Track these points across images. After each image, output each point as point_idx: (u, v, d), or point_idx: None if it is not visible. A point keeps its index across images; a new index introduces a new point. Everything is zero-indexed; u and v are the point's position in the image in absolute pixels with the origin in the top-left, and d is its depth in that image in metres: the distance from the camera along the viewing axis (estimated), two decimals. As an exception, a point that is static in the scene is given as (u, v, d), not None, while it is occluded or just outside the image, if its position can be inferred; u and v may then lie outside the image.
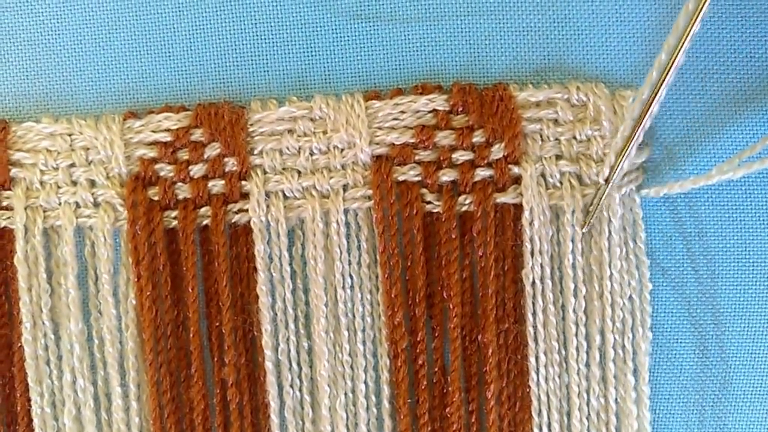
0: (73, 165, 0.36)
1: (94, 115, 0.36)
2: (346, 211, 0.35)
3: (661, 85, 0.31)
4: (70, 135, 0.36)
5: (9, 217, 0.36)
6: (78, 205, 0.36)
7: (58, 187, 0.36)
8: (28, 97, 0.37)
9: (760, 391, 0.37)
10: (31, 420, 0.37)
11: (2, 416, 0.37)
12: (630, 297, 0.35)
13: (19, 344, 0.36)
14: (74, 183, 0.36)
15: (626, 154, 0.33)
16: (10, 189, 0.36)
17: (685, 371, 0.37)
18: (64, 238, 0.36)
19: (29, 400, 0.36)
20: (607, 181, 0.34)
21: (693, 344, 0.37)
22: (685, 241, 0.36)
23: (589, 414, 0.36)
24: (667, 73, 0.30)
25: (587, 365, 0.35)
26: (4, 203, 0.36)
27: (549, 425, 0.36)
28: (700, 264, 0.36)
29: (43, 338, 0.36)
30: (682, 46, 0.30)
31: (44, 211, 0.36)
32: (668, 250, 0.36)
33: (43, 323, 0.36)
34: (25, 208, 0.36)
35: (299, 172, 0.35)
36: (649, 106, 0.31)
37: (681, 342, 0.37)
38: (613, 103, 0.34)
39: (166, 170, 0.36)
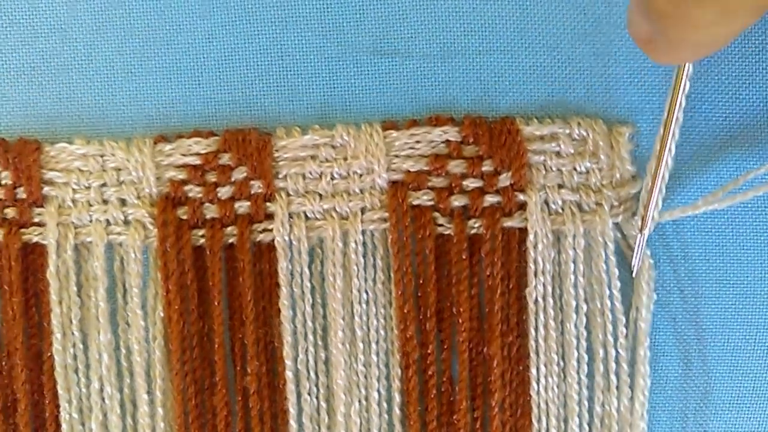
0: (104, 185, 0.37)
1: (126, 138, 0.37)
2: (363, 232, 0.37)
3: (665, 143, 0.33)
4: (101, 156, 0.37)
5: (41, 233, 0.37)
6: (108, 223, 0.37)
7: (90, 205, 0.37)
8: (62, 120, 0.37)
9: (738, 400, 0.38)
10: (59, 426, 0.37)
11: (32, 422, 0.38)
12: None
13: (49, 354, 0.37)
14: (105, 202, 0.37)
15: (653, 204, 0.34)
16: (42, 206, 0.37)
17: (669, 382, 0.38)
18: (95, 254, 0.37)
19: (58, 406, 0.37)
20: (641, 230, 0.35)
21: (677, 358, 0.38)
22: (672, 264, 0.37)
23: (585, 420, 0.37)
24: (668, 131, 0.33)
25: (584, 376, 0.37)
26: (37, 219, 0.37)
27: (547, 431, 0.37)
28: (685, 285, 0.37)
29: (73, 348, 0.37)
30: (674, 113, 0.32)
31: (75, 228, 0.37)
32: (657, 272, 0.37)
33: (73, 334, 0.37)
34: (57, 225, 0.37)
35: (320, 195, 0.37)
36: (660, 161, 0.33)
37: (667, 356, 0.38)
38: (611, 139, 0.36)
39: (194, 191, 0.37)
